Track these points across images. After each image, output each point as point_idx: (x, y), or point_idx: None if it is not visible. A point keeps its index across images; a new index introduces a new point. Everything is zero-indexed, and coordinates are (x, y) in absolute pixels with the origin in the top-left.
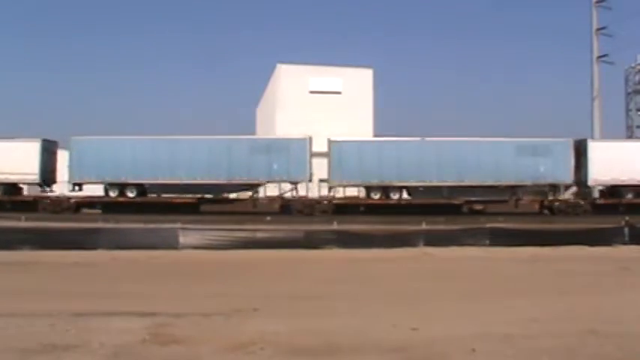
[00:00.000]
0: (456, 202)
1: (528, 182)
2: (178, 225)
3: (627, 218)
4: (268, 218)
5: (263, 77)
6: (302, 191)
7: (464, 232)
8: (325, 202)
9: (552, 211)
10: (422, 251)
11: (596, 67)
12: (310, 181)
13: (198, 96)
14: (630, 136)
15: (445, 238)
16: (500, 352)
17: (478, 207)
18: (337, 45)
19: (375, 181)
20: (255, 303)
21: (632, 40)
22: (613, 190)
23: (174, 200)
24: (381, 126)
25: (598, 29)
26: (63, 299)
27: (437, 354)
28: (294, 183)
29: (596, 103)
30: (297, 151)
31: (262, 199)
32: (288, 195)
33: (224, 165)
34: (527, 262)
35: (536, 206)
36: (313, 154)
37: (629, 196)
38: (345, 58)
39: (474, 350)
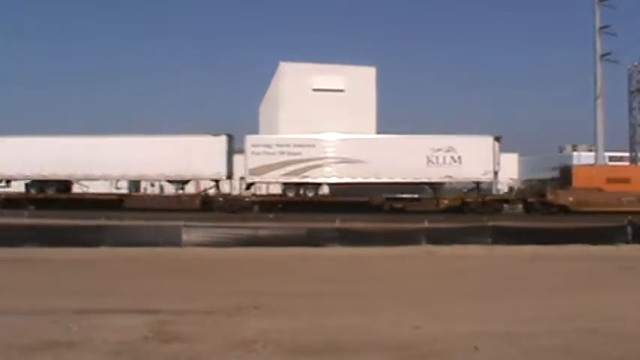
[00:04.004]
0: None
1: None
2: (181, 222)
3: (629, 217)
4: (271, 216)
5: (266, 76)
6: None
7: (466, 231)
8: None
9: None
10: (424, 249)
11: (599, 66)
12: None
13: (200, 95)
14: (633, 134)
15: (447, 236)
16: (503, 350)
17: None
18: (340, 43)
19: None
20: (257, 301)
21: (636, 38)
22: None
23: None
24: (384, 124)
25: (601, 28)
26: (65, 296)
27: (439, 352)
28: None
29: (599, 102)
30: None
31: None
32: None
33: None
34: (530, 261)
35: None
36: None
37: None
38: (348, 56)
39: (476, 348)
